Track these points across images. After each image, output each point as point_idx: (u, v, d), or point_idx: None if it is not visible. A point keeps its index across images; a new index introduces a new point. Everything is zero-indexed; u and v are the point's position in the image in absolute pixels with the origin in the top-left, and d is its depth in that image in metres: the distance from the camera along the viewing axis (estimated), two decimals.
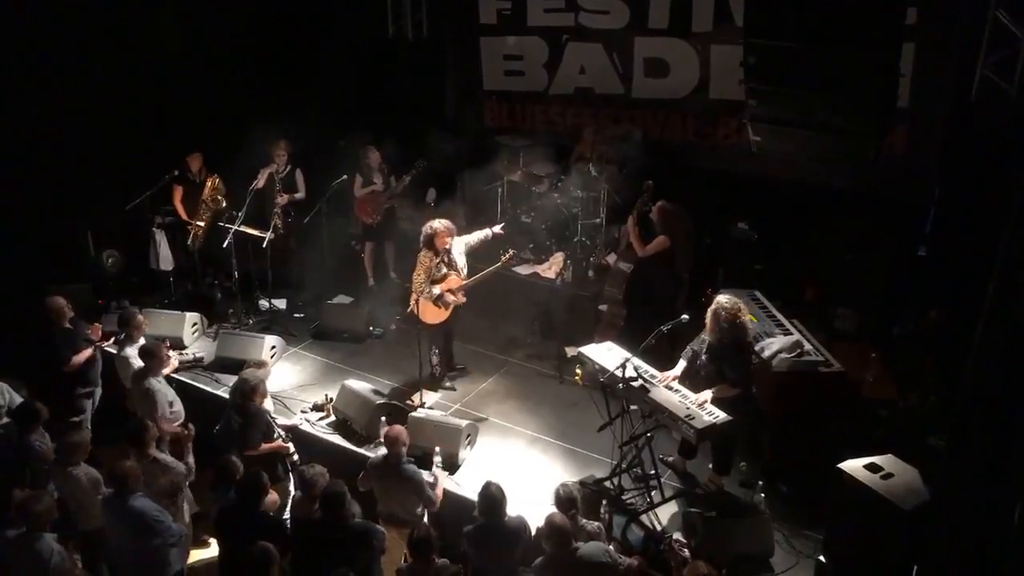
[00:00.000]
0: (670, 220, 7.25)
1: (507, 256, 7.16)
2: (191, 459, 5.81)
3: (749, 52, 5.33)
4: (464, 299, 7.08)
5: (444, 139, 9.43)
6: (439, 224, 6.86)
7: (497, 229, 7.38)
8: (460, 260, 7.08)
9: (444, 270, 6.96)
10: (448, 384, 7.51)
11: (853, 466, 5.25)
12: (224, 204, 8.67)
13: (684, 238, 7.41)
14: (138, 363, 6.52)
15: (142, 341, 6.84)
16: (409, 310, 7.09)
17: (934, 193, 7.57)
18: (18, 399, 6.37)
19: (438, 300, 6.94)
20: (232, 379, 6.55)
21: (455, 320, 7.27)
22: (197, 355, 7.81)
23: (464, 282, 7.04)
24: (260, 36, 9.33)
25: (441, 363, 7.50)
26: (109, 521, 5.16)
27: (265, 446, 5.98)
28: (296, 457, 6.14)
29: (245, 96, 8.81)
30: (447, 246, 6.92)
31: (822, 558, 5.43)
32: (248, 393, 5.97)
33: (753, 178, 8.32)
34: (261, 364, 6.58)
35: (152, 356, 6.36)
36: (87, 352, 6.92)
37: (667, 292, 7.48)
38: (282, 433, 6.17)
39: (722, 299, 5.80)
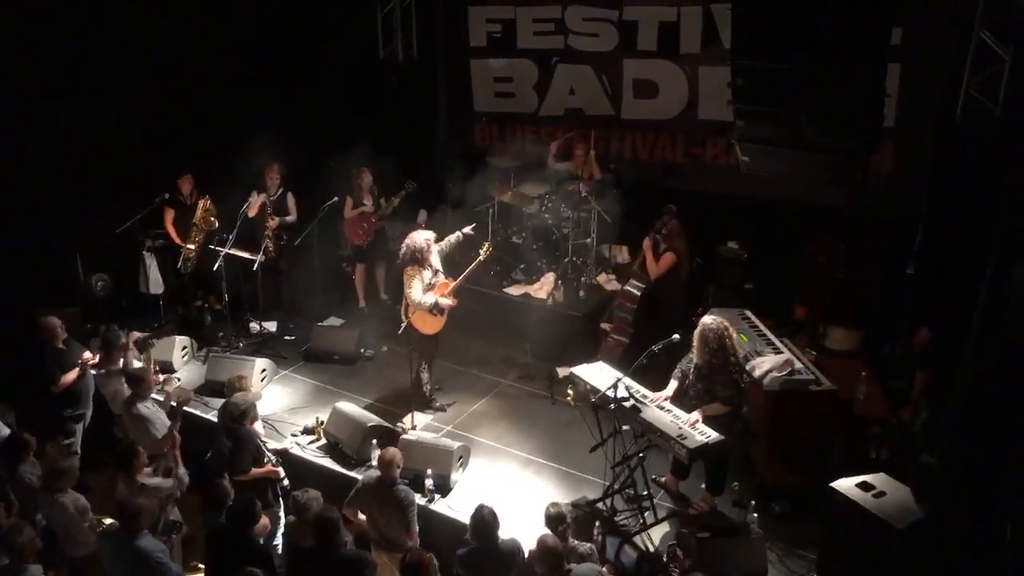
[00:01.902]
0: (674, 236, 7.43)
1: (485, 249, 7.22)
2: (182, 470, 5.73)
3: (737, 73, 5.37)
4: (456, 301, 7.09)
5: (435, 160, 9.45)
6: (424, 240, 6.92)
7: (467, 230, 7.41)
8: (439, 265, 7.14)
9: (432, 279, 7.02)
10: (438, 404, 7.48)
11: (846, 485, 5.26)
12: (216, 226, 8.65)
13: (686, 255, 7.52)
14: (122, 384, 6.48)
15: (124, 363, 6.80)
16: (403, 328, 7.06)
17: (922, 211, 7.62)
18: (4, 429, 6.30)
19: (434, 308, 6.93)
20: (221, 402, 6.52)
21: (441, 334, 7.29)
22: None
23: (453, 284, 7.07)
24: (252, 58, 9.36)
25: (431, 382, 7.48)
26: (109, 556, 5.06)
27: (255, 471, 5.93)
28: (287, 483, 6.08)
29: (236, 118, 8.82)
30: (431, 256, 7.01)
31: None
32: (238, 417, 5.92)
33: (742, 197, 8.38)
34: (241, 379, 6.50)
35: (139, 382, 6.31)
36: (75, 371, 6.86)
37: (678, 309, 7.58)
38: (272, 457, 6.12)
39: (708, 320, 5.81)
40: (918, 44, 7.31)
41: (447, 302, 7.00)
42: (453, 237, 7.29)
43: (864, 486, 5.21)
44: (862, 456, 6.39)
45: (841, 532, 5.28)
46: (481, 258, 7.18)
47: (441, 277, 7.08)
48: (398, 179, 8.93)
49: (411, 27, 10.06)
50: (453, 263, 7.35)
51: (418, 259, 6.88)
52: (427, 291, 6.91)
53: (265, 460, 6.03)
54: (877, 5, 4.94)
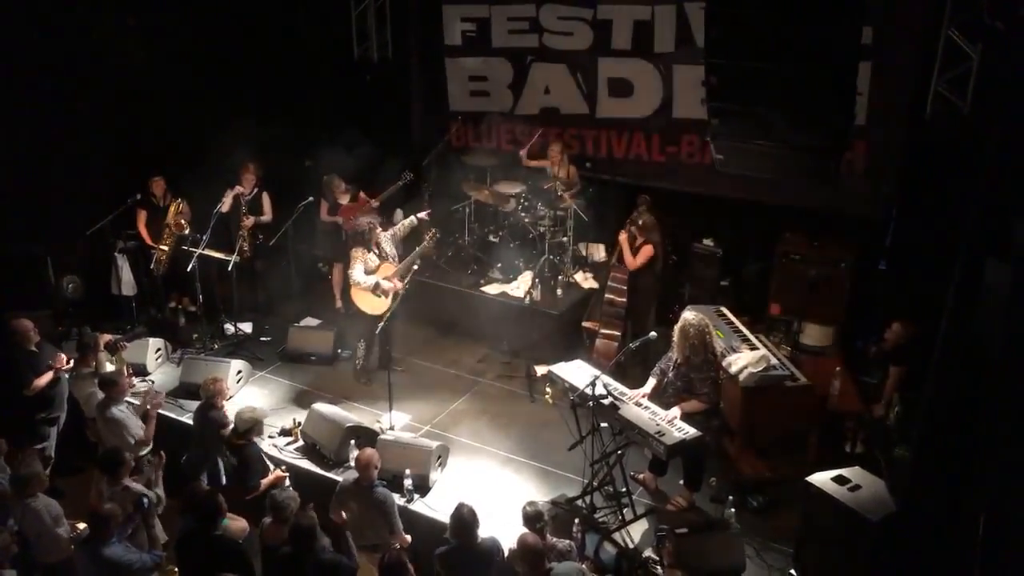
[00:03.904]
0: (650, 228, 7.52)
1: (430, 235, 7.49)
2: (160, 489, 5.69)
3: (710, 72, 5.41)
4: (401, 284, 7.31)
5: (410, 159, 9.41)
6: (366, 223, 7.34)
7: (422, 215, 7.74)
8: (390, 249, 7.46)
9: (377, 261, 7.29)
10: (364, 380, 7.71)
11: (821, 479, 5.32)
12: (187, 231, 8.53)
13: (662, 248, 7.58)
14: (96, 387, 6.41)
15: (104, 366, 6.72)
16: (379, 328, 7.08)
17: (893, 208, 7.72)
18: None
19: (376, 289, 7.19)
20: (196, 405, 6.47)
21: (394, 317, 7.37)
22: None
23: (397, 267, 7.34)
24: (225, 58, 9.27)
25: (367, 359, 7.72)
26: (83, 565, 5.02)
27: (264, 482, 5.95)
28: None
29: (209, 118, 8.74)
30: (378, 239, 7.32)
31: (793, 571, 5.47)
32: (243, 434, 5.91)
33: (717, 195, 8.43)
34: (216, 381, 6.42)
35: (112, 385, 6.24)
36: (48, 375, 6.75)
37: (653, 303, 7.69)
38: (270, 465, 6.11)
39: (689, 316, 5.85)
40: (888, 43, 7.39)
41: (388, 284, 7.21)
42: (407, 221, 7.65)
43: (839, 480, 5.28)
44: (837, 450, 6.47)
45: (817, 525, 5.35)
46: (426, 244, 7.45)
47: (389, 260, 7.34)
48: (373, 178, 8.89)
49: (385, 26, 10.01)
50: (410, 247, 7.62)
51: (361, 241, 7.24)
52: (371, 273, 7.20)
53: (271, 469, 6.04)
54: (849, 4, 5.00)
